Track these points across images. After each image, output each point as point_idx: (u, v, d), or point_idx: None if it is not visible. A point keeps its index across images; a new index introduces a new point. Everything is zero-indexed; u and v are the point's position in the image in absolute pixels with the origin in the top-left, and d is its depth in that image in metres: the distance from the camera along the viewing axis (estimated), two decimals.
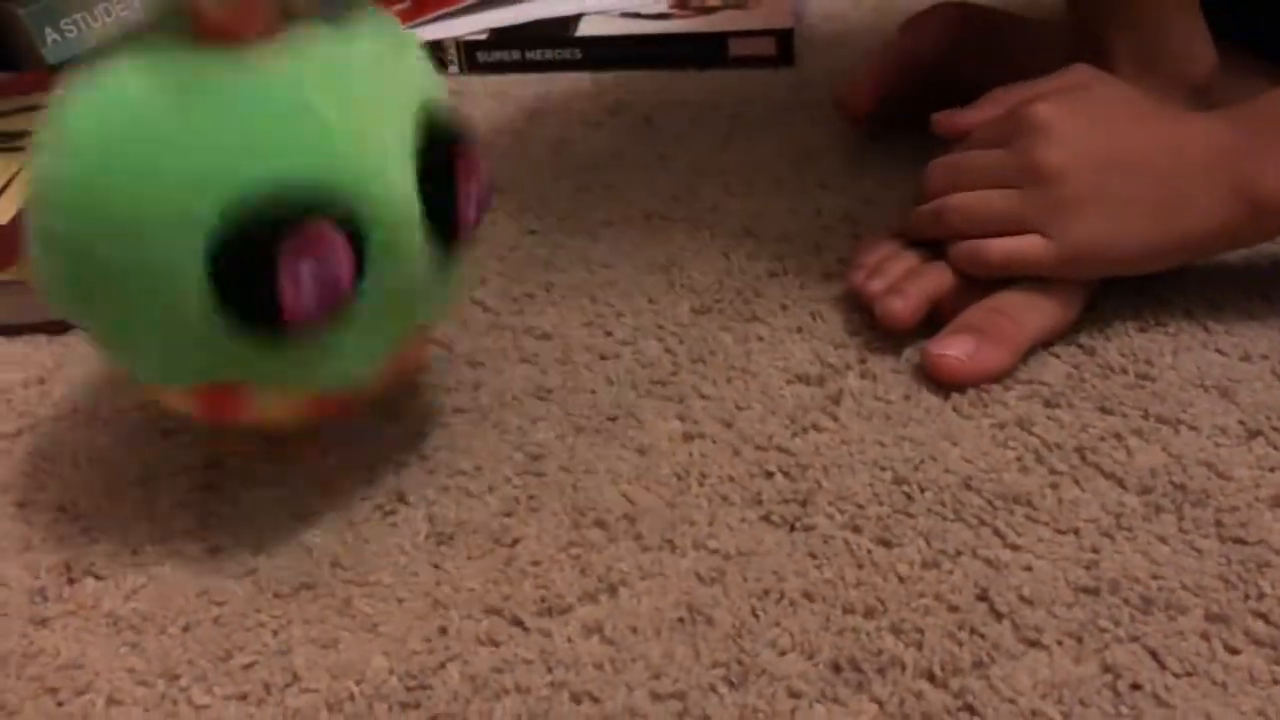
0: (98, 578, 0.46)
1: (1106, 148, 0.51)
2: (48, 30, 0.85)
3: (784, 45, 0.85)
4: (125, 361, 0.42)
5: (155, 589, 0.45)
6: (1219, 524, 0.44)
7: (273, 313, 0.38)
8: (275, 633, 0.42)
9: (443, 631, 0.42)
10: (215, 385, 0.42)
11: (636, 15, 0.89)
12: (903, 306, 0.53)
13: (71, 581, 0.46)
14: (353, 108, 0.39)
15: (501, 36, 0.90)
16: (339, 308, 0.39)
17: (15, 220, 0.66)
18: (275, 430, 0.48)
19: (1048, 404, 0.50)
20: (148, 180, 0.37)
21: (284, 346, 0.40)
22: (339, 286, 0.38)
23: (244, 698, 0.40)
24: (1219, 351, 0.52)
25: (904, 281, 0.54)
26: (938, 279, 0.54)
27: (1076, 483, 0.46)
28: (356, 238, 0.38)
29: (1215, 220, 0.50)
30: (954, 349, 0.51)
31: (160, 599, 0.44)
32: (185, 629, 0.43)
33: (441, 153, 0.41)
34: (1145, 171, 0.51)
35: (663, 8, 0.91)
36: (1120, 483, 0.46)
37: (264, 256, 0.37)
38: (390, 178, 0.39)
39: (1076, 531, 0.44)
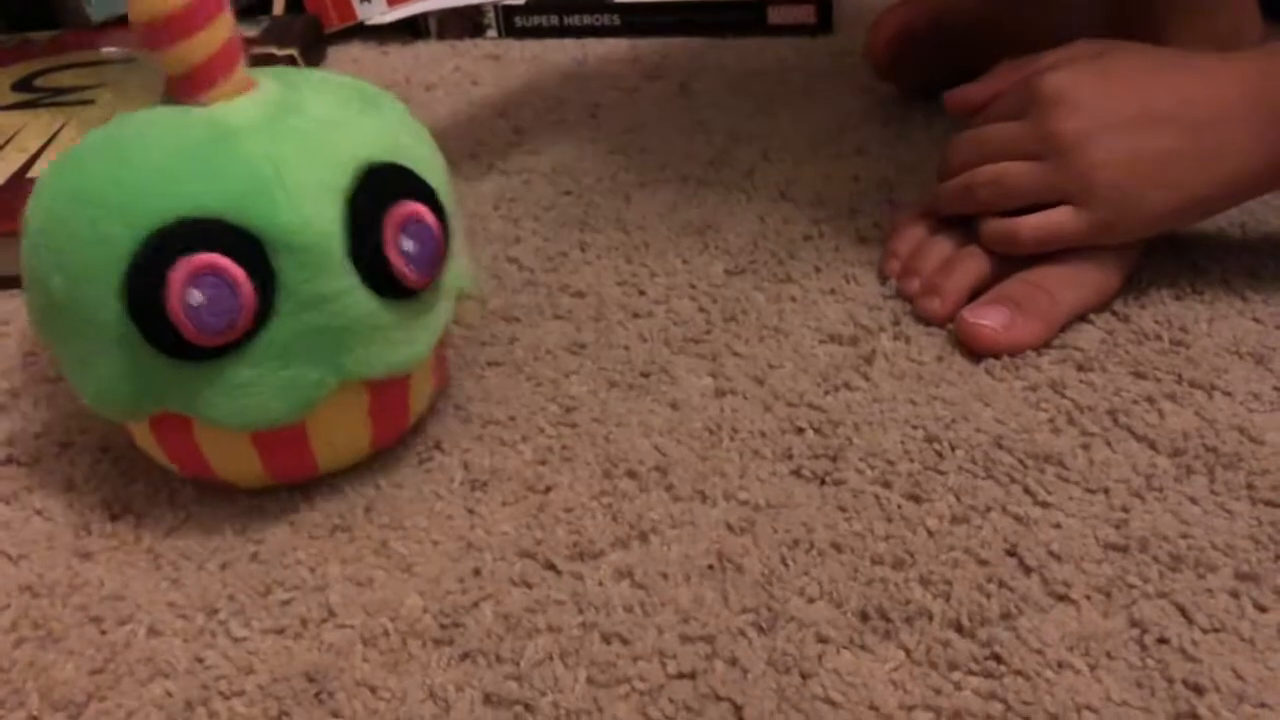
0: (138, 515, 0.47)
1: (1127, 107, 0.50)
2: None
3: (823, 13, 0.85)
4: (84, 394, 0.43)
5: (194, 527, 0.46)
6: (1250, 487, 0.44)
7: (173, 337, 0.39)
8: (312, 570, 0.43)
9: (476, 573, 0.43)
10: (160, 418, 0.43)
11: None
12: (940, 307, 0.53)
13: (113, 518, 0.47)
14: (284, 152, 0.40)
15: (540, 2, 0.90)
16: (240, 335, 0.40)
17: None
18: (245, 487, 0.47)
19: (1081, 368, 0.50)
20: (82, 213, 0.40)
21: (197, 373, 0.41)
22: (236, 311, 0.39)
23: (281, 631, 0.41)
24: (1255, 320, 0.52)
25: (939, 277, 0.54)
26: (974, 268, 0.54)
27: (1108, 444, 0.46)
28: (259, 266, 0.40)
29: (1257, 160, 0.49)
30: (990, 319, 0.51)
31: (199, 537, 0.45)
32: (223, 566, 0.44)
33: (373, 207, 0.41)
34: (1174, 122, 0.50)
35: None
36: (1152, 445, 0.46)
37: (156, 283, 0.39)
38: (304, 216, 0.40)
39: (1107, 491, 0.44)
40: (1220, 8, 0.57)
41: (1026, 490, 0.44)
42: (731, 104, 0.76)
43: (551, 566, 0.43)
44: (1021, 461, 0.46)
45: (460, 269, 0.47)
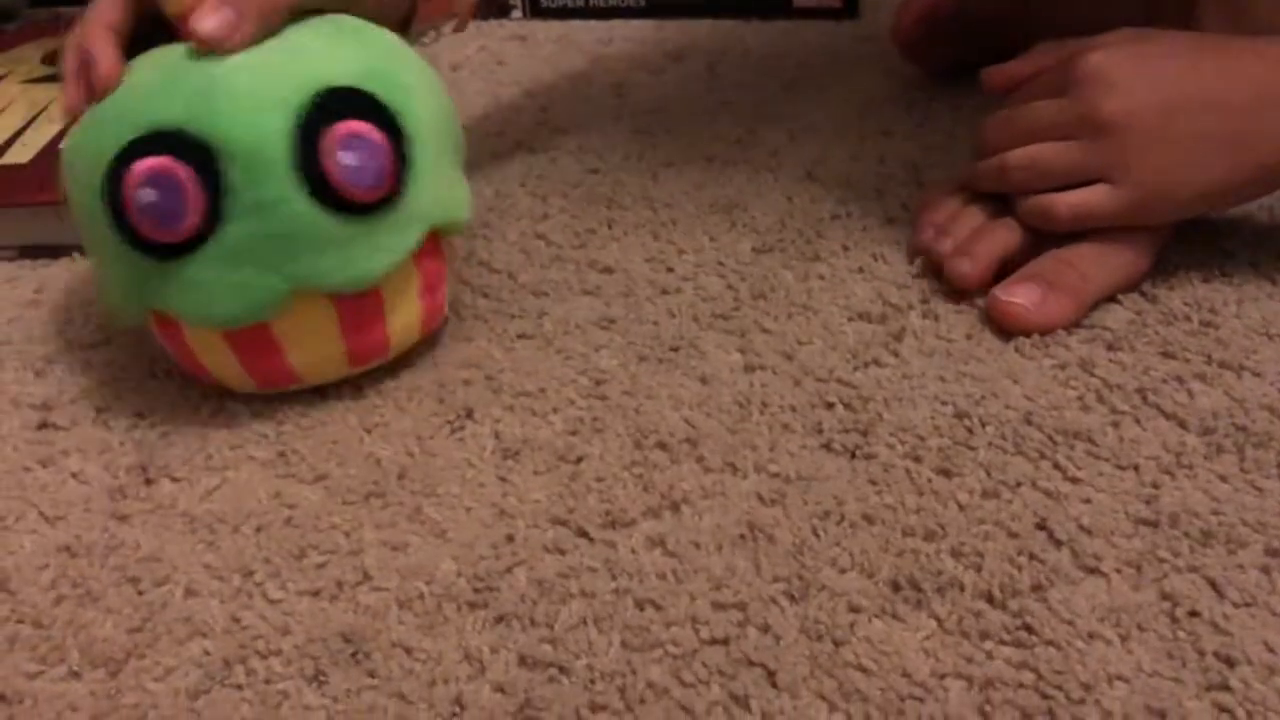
0: (174, 479, 0.47)
1: (1167, 89, 0.51)
2: None
3: None
4: (98, 294, 0.49)
5: (229, 491, 0.46)
6: None
7: (132, 234, 0.45)
8: (347, 534, 0.44)
9: (509, 539, 0.43)
10: (157, 317, 0.48)
11: None
12: (971, 268, 0.53)
13: (149, 482, 0.47)
14: (241, 72, 0.45)
15: None
16: (190, 232, 0.45)
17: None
18: (239, 388, 0.50)
19: (1110, 347, 0.50)
20: (88, 133, 0.47)
21: (163, 268, 0.46)
22: (181, 211, 0.44)
23: (316, 594, 0.41)
24: None
25: (972, 242, 0.54)
26: (1006, 237, 0.54)
27: (1137, 422, 0.46)
28: (209, 173, 0.44)
29: None
30: (1021, 296, 0.51)
31: (234, 500, 0.46)
32: (259, 529, 0.44)
33: (316, 123, 0.45)
34: (1211, 107, 0.50)
35: None
36: (1181, 423, 0.46)
37: (118, 186, 0.44)
38: (244, 123, 0.44)
39: (1137, 468, 0.44)
40: (1255, 16, 0.57)
41: (1056, 466, 0.45)
42: (757, 85, 0.76)
43: (584, 534, 0.43)
44: (1051, 438, 0.46)
45: (442, 197, 0.49)
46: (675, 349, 0.52)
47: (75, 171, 0.47)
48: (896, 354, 0.51)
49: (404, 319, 0.50)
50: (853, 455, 0.46)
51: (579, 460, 0.47)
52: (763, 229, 0.60)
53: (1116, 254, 0.52)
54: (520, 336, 0.54)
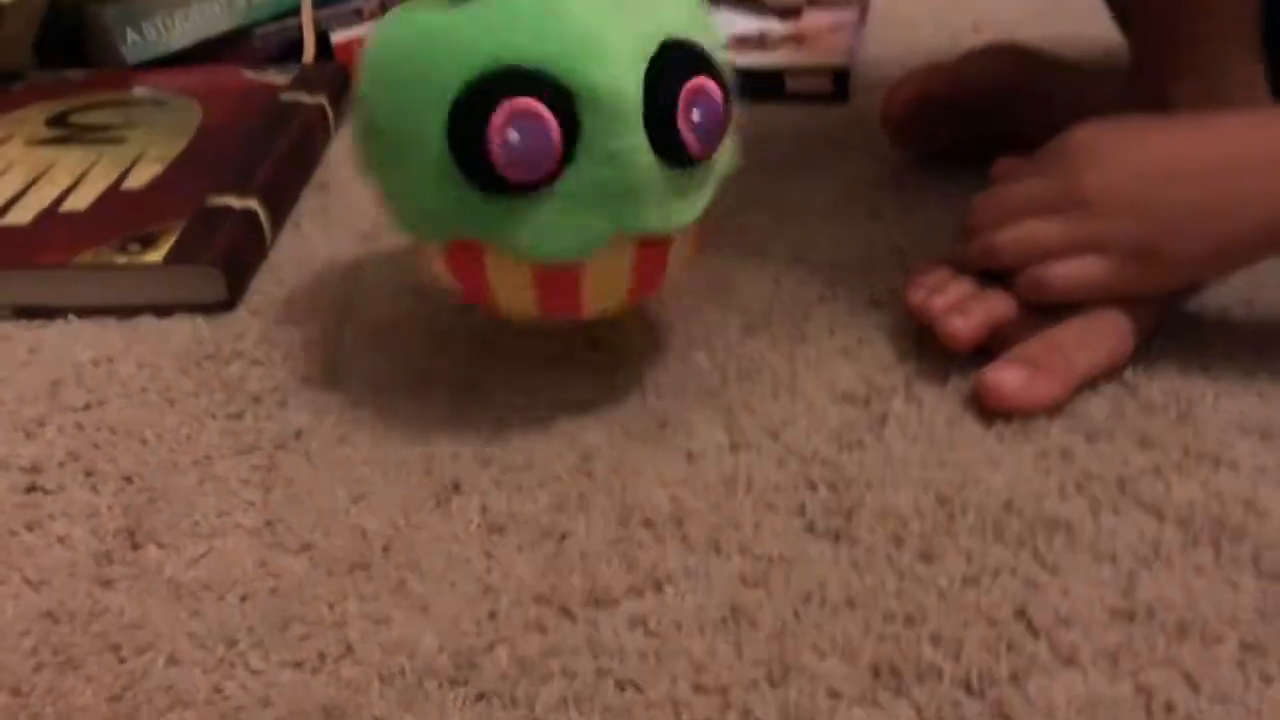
0: (160, 545, 0.47)
1: (1149, 159, 0.52)
2: (129, 30, 0.88)
3: (840, 83, 0.87)
4: (397, 214, 0.50)
5: (215, 558, 0.46)
6: (1256, 560, 0.44)
7: (488, 170, 0.45)
8: (331, 606, 0.44)
9: (492, 616, 0.43)
10: (458, 244, 0.49)
11: None
12: (963, 325, 0.54)
13: (136, 547, 0.47)
14: (599, 16, 0.46)
15: None
16: (546, 174, 0.45)
17: (92, 208, 0.68)
18: (517, 319, 0.53)
19: (1089, 436, 0.51)
20: (416, 61, 0.46)
21: (502, 204, 0.46)
22: (545, 155, 0.45)
23: (299, 665, 0.41)
24: (1260, 396, 0.53)
25: (965, 302, 0.55)
26: (999, 305, 0.55)
27: (1115, 512, 0.47)
28: (568, 118, 0.45)
29: (1271, 214, 0.51)
30: (1008, 377, 0.52)
31: (220, 568, 0.46)
32: (243, 598, 0.45)
33: (670, 79, 0.46)
34: (1195, 174, 0.52)
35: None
36: (1159, 514, 0.47)
37: (480, 121, 0.44)
38: (611, 75, 0.45)
39: (1114, 558, 0.45)
40: (1231, 88, 0.59)
41: (1036, 554, 0.45)
42: (747, 166, 0.77)
43: (567, 612, 0.43)
44: (1031, 526, 0.46)
45: (730, 149, 0.52)
46: (662, 425, 0.53)
47: (390, 82, 0.48)
48: (880, 437, 0.52)
49: (678, 260, 0.53)
50: (835, 538, 0.46)
51: (564, 537, 0.47)
52: (751, 309, 0.61)
53: (1101, 337, 0.54)
54: (511, 411, 0.54)
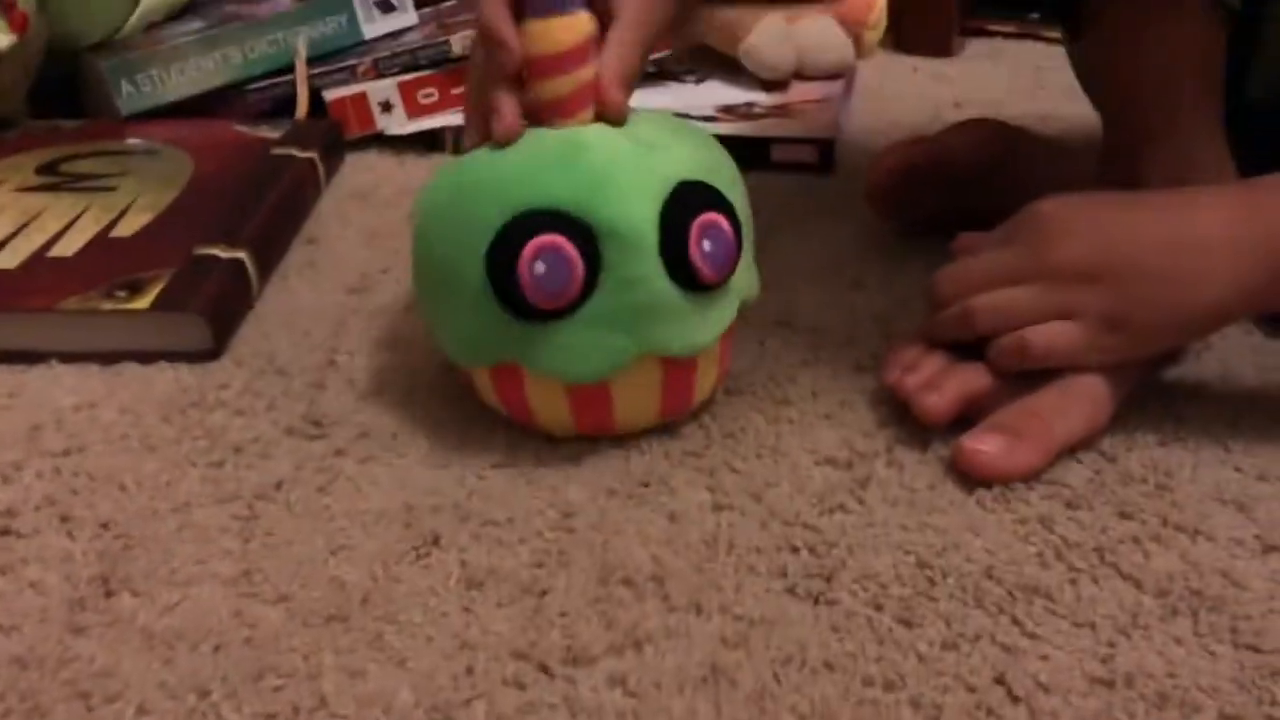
0: (135, 593, 0.47)
1: (1113, 232, 0.54)
2: (124, 82, 0.89)
3: (825, 154, 0.88)
4: (446, 344, 0.55)
5: (190, 607, 0.46)
6: (1234, 630, 0.44)
7: (520, 298, 0.50)
8: (306, 658, 0.43)
9: (470, 671, 0.43)
10: (502, 369, 0.54)
11: (685, 116, 0.93)
12: (938, 401, 0.55)
13: (109, 594, 0.47)
14: (613, 161, 0.52)
15: None
16: (569, 300, 0.50)
17: (80, 254, 0.69)
18: (560, 433, 0.56)
19: (1069, 505, 0.52)
20: (460, 207, 0.53)
21: (534, 329, 0.51)
22: (568, 282, 0.50)
23: (271, 717, 0.41)
24: (1237, 469, 0.54)
25: (939, 378, 0.56)
26: (974, 378, 0.55)
27: (1095, 580, 0.47)
28: (589, 250, 0.50)
29: (1236, 285, 0.52)
30: (988, 444, 0.53)
31: (194, 617, 0.45)
32: (217, 648, 0.44)
33: (682, 214, 0.51)
34: (1161, 247, 0.53)
35: (708, 112, 0.94)
36: (1137, 584, 0.47)
37: (513, 255, 0.50)
38: (623, 211, 0.51)
39: (1093, 626, 0.45)
40: (1200, 164, 0.60)
41: (1015, 621, 0.45)
42: None
43: (545, 669, 0.43)
44: (1011, 593, 0.47)
45: (748, 278, 0.57)
46: (645, 484, 0.53)
47: (438, 227, 0.54)
48: (862, 500, 0.52)
49: (706, 380, 0.56)
50: (816, 601, 0.46)
51: (543, 593, 0.47)
52: (734, 371, 0.62)
53: (1079, 404, 0.54)
54: (493, 465, 0.54)
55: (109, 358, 0.63)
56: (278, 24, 0.94)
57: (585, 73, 0.53)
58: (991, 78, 1.12)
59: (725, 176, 0.55)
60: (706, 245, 0.52)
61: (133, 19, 0.93)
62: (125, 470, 0.54)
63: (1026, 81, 1.10)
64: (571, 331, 0.51)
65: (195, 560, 0.48)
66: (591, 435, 0.56)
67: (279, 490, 0.53)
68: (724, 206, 0.53)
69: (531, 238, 0.50)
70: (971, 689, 0.42)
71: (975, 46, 1.22)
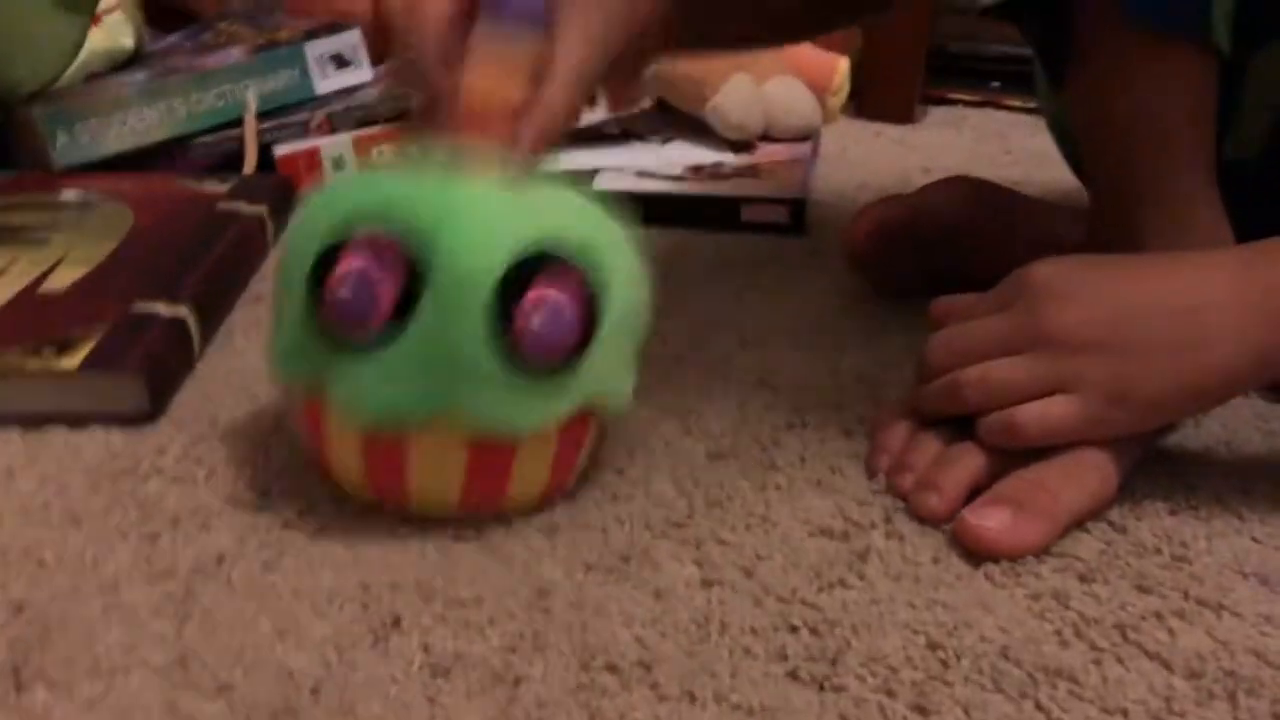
0: (50, 685, 0.41)
1: (1114, 298, 0.51)
2: (60, 132, 0.84)
3: (797, 214, 0.86)
4: (268, 355, 0.51)
5: (115, 701, 0.40)
6: (1276, 716, 0.41)
7: (321, 312, 0.46)
8: None
9: None
10: (311, 401, 0.49)
11: (652, 175, 0.90)
12: (939, 503, 0.51)
13: (19, 688, 0.41)
14: (484, 203, 0.47)
15: None
16: (369, 334, 0.46)
17: (6, 308, 0.63)
18: (351, 491, 0.51)
19: (1083, 578, 0.48)
20: (312, 213, 0.49)
21: (338, 357, 0.47)
22: (370, 315, 0.45)
23: None
24: (1254, 540, 0.51)
25: (935, 473, 0.52)
26: (971, 464, 0.52)
27: (1120, 661, 0.43)
28: (408, 287, 0.46)
29: (1241, 351, 0.49)
30: (992, 520, 0.49)
31: (119, 712, 0.40)
32: None
33: (524, 280, 0.46)
34: (1160, 313, 0.50)
35: (677, 172, 0.92)
36: (1166, 665, 0.43)
37: (325, 269, 0.46)
38: (469, 255, 0.45)
39: (1125, 713, 0.41)
40: (1196, 224, 0.58)
41: (1039, 707, 0.41)
42: (707, 292, 0.75)
43: None
44: (1031, 675, 0.43)
45: (607, 380, 0.50)
46: (626, 559, 0.49)
47: (292, 236, 0.51)
48: (862, 575, 0.48)
49: (527, 483, 0.50)
50: (821, 687, 0.42)
51: (517, 682, 0.42)
52: (716, 434, 0.58)
53: (1085, 474, 0.51)
54: (457, 539, 0.50)
55: (33, 420, 0.57)
56: (226, 76, 0.90)
57: (515, 96, 0.48)
58: (956, 143, 1.11)
59: (607, 262, 0.48)
60: (535, 322, 0.45)
61: (72, 68, 0.89)
62: (45, 545, 0.49)
63: (992, 148, 1.09)
64: (371, 365, 0.46)
65: (123, 646, 0.43)
66: (386, 503, 0.50)
67: (219, 566, 0.47)
68: (582, 291, 0.47)
69: (344, 257, 0.46)
70: None
71: (937, 114, 1.22)
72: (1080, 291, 0.51)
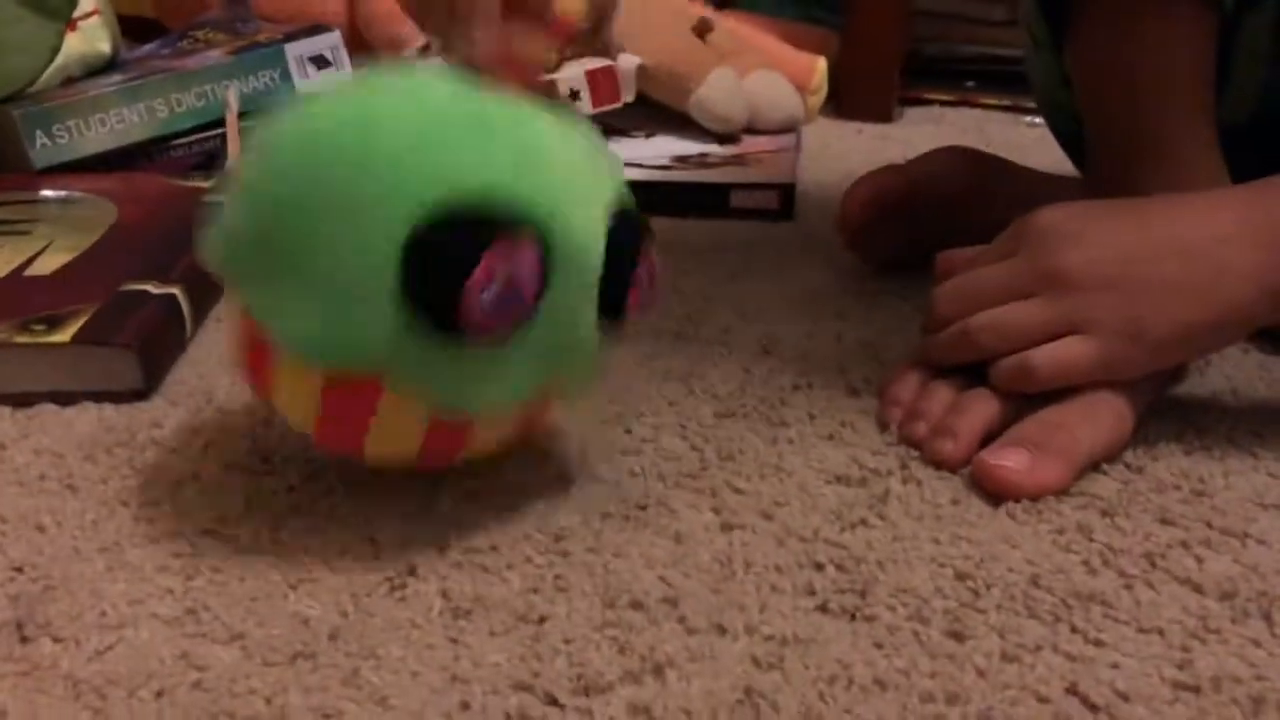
0: (56, 639, 0.39)
1: (1122, 239, 0.50)
2: (38, 133, 0.82)
3: (786, 199, 0.86)
4: (287, 329, 0.41)
5: (125, 650, 0.39)
6: None
7: (447, 310, 0.39)
8: (268, 700, 0.37)
9: (465, 707, 0.36)
10: (352, 376, 0.42)
11: (639, 165, 0.90)
12: (954, 449, 0.50)
13: (25, 640, 0.39)
14: (571, 162, 0.43)
15: None
16: (516, 322, 0.41)
17: None
18: (299, 430, 0.46)
19: (1105, 514, 0.47)
20: (355, 170, 0.39)
21: (441, 349, 0.40)
22: (523, 300, 0.40)
23: None
24: (1271, 475, 0.50)
25: (949, 419, 0.51)
26: (985, 409, 0.51)
27: (1150, 586, 0.43)
28: (545, 260, 0.40)
29: (1253, 285, 0.49)
30: (1011, 460, 0.48)
31: (131, 661, 0.38)
32: (159, 693, 0.37)
33: (626, 237, 0.43)
34: (1170, 251, 0.50)
35: (664, 161, 0.91)
36: (1197, 588, 0.43)
37: (459, 257, 0.39)
38: (584, 221, 0.42)
39: (1161, 632, 0.40)
40: (1196, 176, 0.58)
41: (1075, 629, 0.40)
42: (703, 272, 0.75)
43: (553, 701, 0.37)
44: (1064, 601, 0.42)
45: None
46: (643, 507, 0.48)
47: (312, 191, 0.40)
48: (883, 516, 0.47)
49: (486, 441, 0.46)
50: (852, 616, 0.41)
51: (542, 620, 0.41)
52: (723, 395, 0.57)
53: (1101, 414, 0.50)
54: (466, 496, 0.48)
55: (21, 399, 0.56)
56: (206, 76, 0.89)
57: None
58: (936, 138, 1.11)
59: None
60: (641, 282, 0.44)
61: (48, 71, 0.87)
62: (43, 511, 0.47)
63: (973, 140, 1.09)
64: (482, 362, 0.41)
65: (129, 599, 0.41)
66: (333, 450, 0.47)
67: (225, 526, 0.46)
68: (649, 235, 0.45)
69: (490, 239, 0.39)
70: (1044, 699, 0.37)
71: (914, 113, 1.22)
72: (1087, 232, 0.51)
